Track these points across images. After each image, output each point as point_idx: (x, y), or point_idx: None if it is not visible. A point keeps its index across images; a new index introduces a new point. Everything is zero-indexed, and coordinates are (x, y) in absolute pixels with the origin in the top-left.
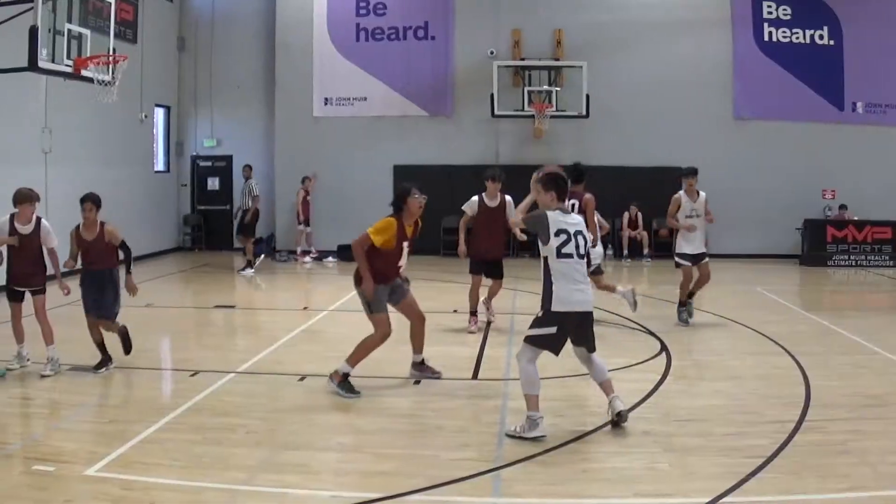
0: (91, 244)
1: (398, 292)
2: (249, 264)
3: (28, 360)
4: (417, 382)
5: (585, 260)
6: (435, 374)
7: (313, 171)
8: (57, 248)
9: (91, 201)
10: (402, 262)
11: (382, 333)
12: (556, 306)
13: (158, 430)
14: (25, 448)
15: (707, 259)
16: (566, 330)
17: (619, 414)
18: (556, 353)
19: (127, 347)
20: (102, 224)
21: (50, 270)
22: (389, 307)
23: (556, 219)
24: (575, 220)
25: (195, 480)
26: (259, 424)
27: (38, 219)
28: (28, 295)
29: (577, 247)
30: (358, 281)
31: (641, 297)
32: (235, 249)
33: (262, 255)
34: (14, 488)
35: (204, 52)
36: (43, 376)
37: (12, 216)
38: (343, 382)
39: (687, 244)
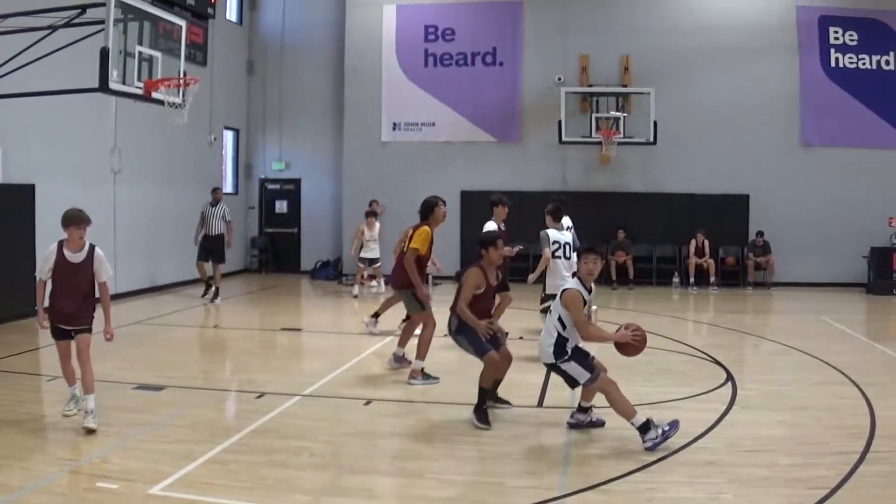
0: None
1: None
2: (217, 292)
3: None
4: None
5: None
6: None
7: (375, 200)
8: (109, 282)
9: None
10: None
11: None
12: None
13: (223, 451)
14: (90, 465)
15: None
16: None
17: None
18: None
19: None
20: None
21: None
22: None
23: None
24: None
25: (259, 502)
26: (323, 448)
27: (92, 246)
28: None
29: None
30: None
31: (708, 325)
32: (301, 272)
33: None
34: None
35: (273, 75)
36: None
37: (61, 243)
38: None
39: None
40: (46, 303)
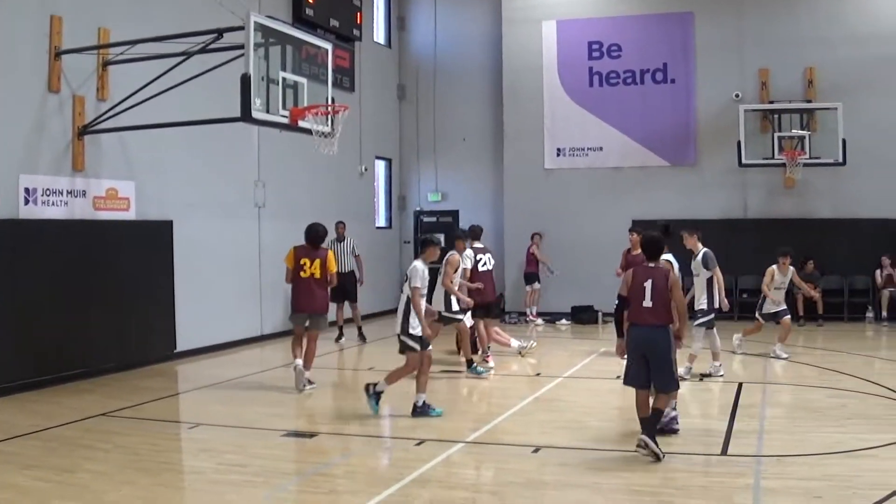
0: None
1: None
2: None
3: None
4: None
5: None
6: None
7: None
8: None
9: None
10: None
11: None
12: None
13: (381, 502)
14: None
15: None
16: None
17: None
18: None
19: None
20: None
21: None
22: None
23: None
24: None
25: None
26: (489, 499)
27: None
28: None
29: None
30: None
31: None
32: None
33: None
34: None
35: (426, 101)
36: None
37: None
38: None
39: None
40: None
